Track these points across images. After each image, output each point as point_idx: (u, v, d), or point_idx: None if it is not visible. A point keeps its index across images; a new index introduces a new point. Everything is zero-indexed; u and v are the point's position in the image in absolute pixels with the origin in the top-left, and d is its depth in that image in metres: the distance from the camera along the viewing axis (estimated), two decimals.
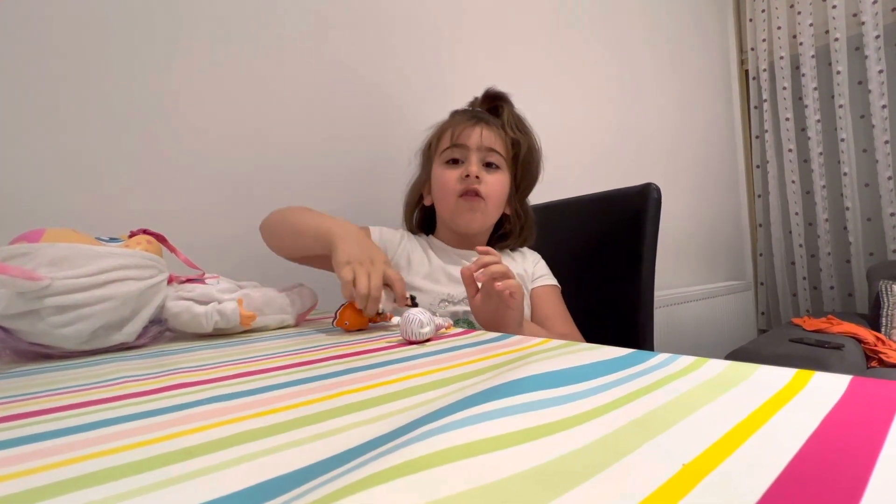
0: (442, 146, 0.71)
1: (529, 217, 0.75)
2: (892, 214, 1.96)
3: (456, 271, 0.68)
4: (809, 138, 2.17)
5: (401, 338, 0.42)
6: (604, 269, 0.75)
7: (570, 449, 0.17)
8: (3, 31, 0.64)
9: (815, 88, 2.17)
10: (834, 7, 2.08)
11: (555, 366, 0.28)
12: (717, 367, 0.27)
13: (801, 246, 2.23)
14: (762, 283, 2.40)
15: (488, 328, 0.54)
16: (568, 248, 0.67)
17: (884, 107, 1.98)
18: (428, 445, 0.17)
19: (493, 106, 0.74)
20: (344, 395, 0.26)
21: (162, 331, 0.49)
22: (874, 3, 1.98)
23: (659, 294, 1.66)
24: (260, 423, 0.22)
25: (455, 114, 0.74)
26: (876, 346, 1.42)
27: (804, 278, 2.22)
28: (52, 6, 0.68)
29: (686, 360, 0.29)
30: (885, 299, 1.64)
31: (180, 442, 0.20)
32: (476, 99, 0.77)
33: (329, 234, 0.54)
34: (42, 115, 0.67)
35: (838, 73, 2.08)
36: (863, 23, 2.00)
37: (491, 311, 0.52)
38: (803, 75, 2.19)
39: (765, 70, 2.33)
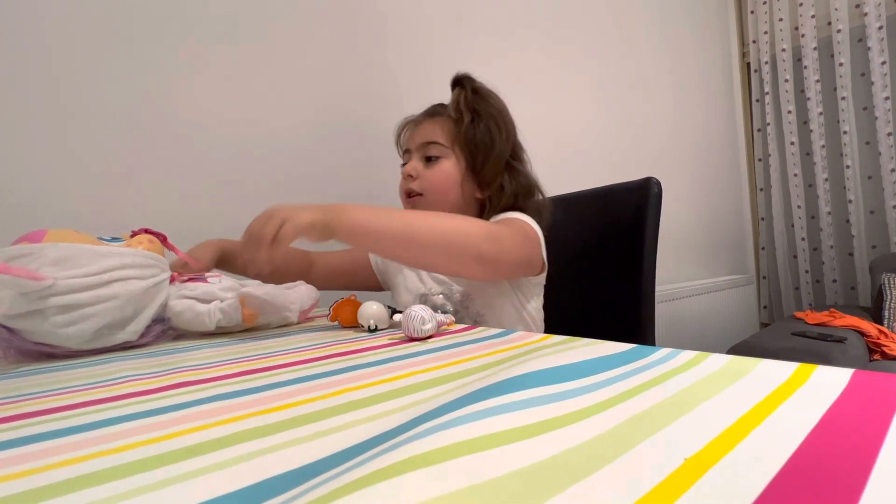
0: (399, 154, 0.75)
1: (523, 187, 0.69)
2: (895, 207, 1.96)
3: None
4: (812, 131, 2.16)
5: (403, 335, 0.42)
6: (605, 265, 0.75)
7: (571, 444, 0.17)
8: (3, 32, 0.64)
9: (818, 81, 2.15)
10: None
11: (556, 362, 0.28)
12: (719, 361, 0.27)
13: (803, 239, 2.22)
14: (764, 277, 2.40)
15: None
16: (568, 244, 0.67)
17: (886, 98, 1.97)
18: (430, 442, 0.17)
19: (454, 89, 0.72)
20: (346, 393, 0.26)
21: (165, 329, 0.50)
22: None
23: (660, 289, 1.66)
24: (261, 422, 0.22)
25: (403, 120, 0.76)
26: (879, 339, 1.41)
27: (806, 272, 2.22)
28: (51, 7, 0.68)
29: (688, 354, 0.29)
30: (888, 292, 1.63)
31: (182, 441, 0.20)
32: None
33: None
34: (40, 116, 0.67)
35: (841, 64, 2.07)
36: (865, 13, 1.99)
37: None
38: (805, 67, 2.18)
39: (766, 63, 2.31)
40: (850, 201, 2.07)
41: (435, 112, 0.71)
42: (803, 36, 2.18)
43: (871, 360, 1.37)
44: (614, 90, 1.71)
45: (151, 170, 0.76)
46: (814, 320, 1.59)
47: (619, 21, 1.74)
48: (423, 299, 0.67)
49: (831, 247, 2.14)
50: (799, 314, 1.72)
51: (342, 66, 0.99)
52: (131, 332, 0.45)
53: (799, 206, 2.23)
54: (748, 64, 2.46)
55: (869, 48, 1.99)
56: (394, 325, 0.48)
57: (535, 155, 0.74)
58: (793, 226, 2.28)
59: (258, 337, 0.49)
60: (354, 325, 0.50)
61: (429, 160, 0.68)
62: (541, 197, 0.72)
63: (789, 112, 2.23)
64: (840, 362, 1.21)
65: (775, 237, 2.31)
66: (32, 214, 0.65)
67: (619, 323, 0.70)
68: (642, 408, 0.21)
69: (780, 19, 2.25)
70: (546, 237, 0.66)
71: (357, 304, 0.50)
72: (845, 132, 2.06)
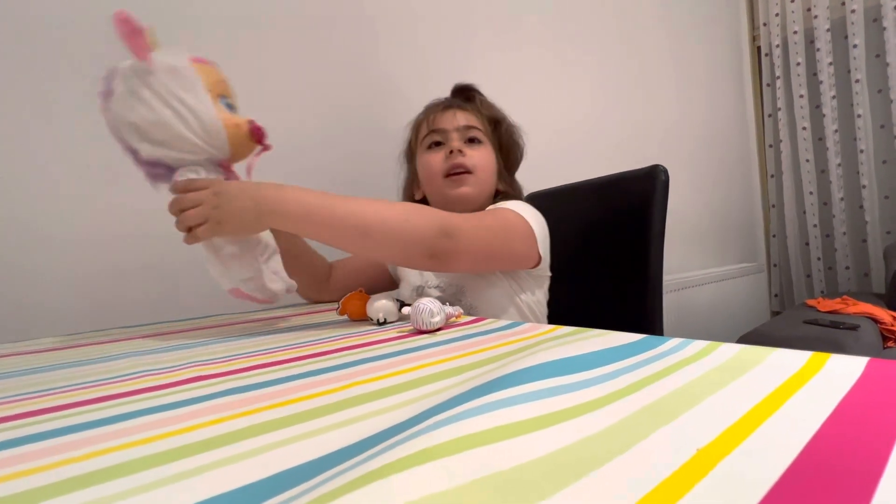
0: (421, 135, 0.71)
1: (521, 194, 0.75)
2: None
3: None
4: (824, 115, 2.12)
5: (412, 327, 0.43)
6: (611, 255, 0.74)
7: (582, 436, 0.17)
8: (3, 33, 0.65)
9: (831, 63, 2.10)
10: None
11: (565, 353, 0.28)
12: (730, 351, 0.27)
13: (815, 226, 2.19)
14: (775, 265, 2.37)
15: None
16: (574, 235, 0.67)
17: None
18: (441, 434, 0.17)
19: (465, 97, 0.74)
20: (357, 386, 0.26)
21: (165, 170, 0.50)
22: None
23: (668, 278, 1.65)
24: (275, 415, 0.22)
25: (427, 106, 0.75)
26: (892, 326, 1.39)
27: (818, 259, 2.19)
28: (50, 7, 0.68)
29: (698, 344, 0.29)
30: None
31: (198, 434, 0.20)
32: (446, 98, 0.77)
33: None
34: (38, 116, 0.67)
35: (855, 46, 2.02)
36: None
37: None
38: (818, 50, 2.12)
39: (778, 46, 2.26)
40: (864, 186, 2.03)
41: (462, 104, 0.71)
42: (816, 17, 2.12)
43: (884, 348, 1.35)
44: (617, 77, 1.68)
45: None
46: (826, 308, 1.57)
47: (625, 6, 1.71)
48: (420, 290, 0.67)
49: (844, 233, 2.10)
50: (811, 302, 1.70)
51: (342, 66, 0.99)
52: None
53: (811, 193, 2.19)
54: (758, 48, 2.40)
55: (884, 28, 1.93)
56: (402, 318, 0.49)
57: (535, 145, 0.75)
58: (804, 212, 2.24)
59: (269, 331, 0.49)
60: (363, 319, 0.51)
61: (471, 142, 0.69)
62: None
63: (801, 96, 2.19)
64: (853, 350, 1.19)
65: (786, 224, 2.28)
66: (33, 216, 0.66)
67: (626, 314, 0.70)
68: (653, 398, 0.21)
69: (792, 0, 2.19)
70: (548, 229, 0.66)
71: (365, 298, 0.50)
72: (859, 115, 2.02)
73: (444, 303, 0.43)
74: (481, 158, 0.68)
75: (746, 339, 1.40)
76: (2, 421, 0.24)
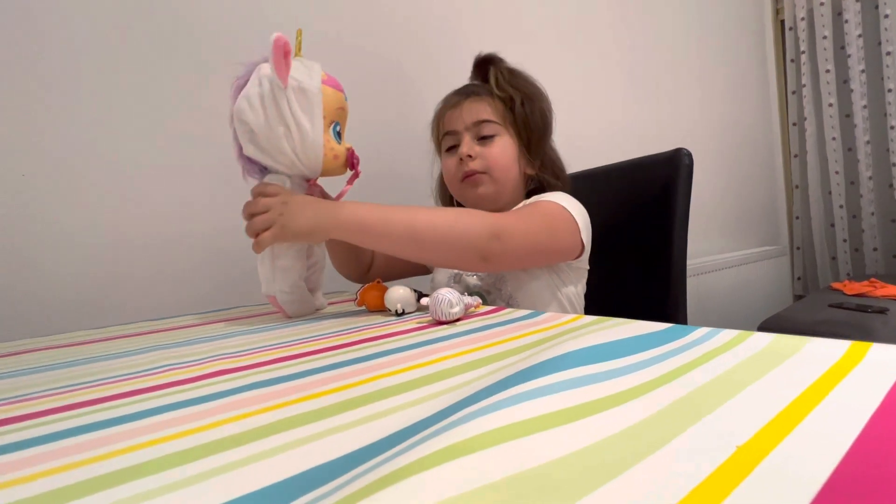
0: (439, 137, 0.71)
1: (557, 164, 0.71)
2: None
3: None
4: (852, 91, 2.03)
5: (430, 318, 0.42)
6: (634, 241, 0.73)
7: (612, 431, 0.17)
8: (4, 33, 0.65)
9: (860, 35, 2.01)
10: None
11: (590, 342, 0.27)
12: (763, 340, 0.26)
13: (841, 207, 2.12)
14: (798, 248, 2.30)
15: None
16: (595, 221, 0.65)
17: None
18: (468, 429, 0.16)
19: (483, 73, 0.71)
20: (380, 379, 0.26)
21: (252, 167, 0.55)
22: None
23: (688, 263, 1.61)
24: (300, 410, 0.22)
25: (443, 100, 0.73)
26: None
27: (844, 240, 2.12)
28: (49, 7, 0.68)
29: (729, 333, 0.28)
30: None
31: (226, 430, 0.20)
32: (471, 74, 0.75)
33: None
34: (39, 117, 0.68)
35: (886, 16, 1.92)
36: None
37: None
38: (846, 21, 2.03)
39: (803, 19, 2.16)
40: (895, 164, 1.95)
41: (474, 91, 0.69)
42: None
43: None
44: (633, 55, 1.63)
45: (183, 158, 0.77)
46: (852, 291, 1.53)
47: None
48: (457, 278, 0.67)
49: (872, 213, 2.03)
50: (836, 285, 1.65)
51: (366, 51, 0.98)
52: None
53: (837, 172, 2.11)
54: (782, 21, 2.30)
55: None
56: (420, 309, 0.48)
57: (556, 130, 0.72)
58: (830, 193, 2.16)
59: (289, 323, 0.50)
60: (381, 310, 0.51)
61: (483, 139, 0.67)
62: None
63: (828, 71, 2.10)
64: (881, 334, 1.16)
65: (811, 205, 2.21)
66: (41, 215, 0.67)
67: (649, 301, 0.69)
68: (685, 391, 0.20)
69: None
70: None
71: (383, 289, 0.50)
72: (889, 90, 1.93)
73: (469, 290, 0.42)
74: (494, 155, 0.66)
75: (769, 323, 1.37)
76: (27, 418, 0.24)
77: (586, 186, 0.82)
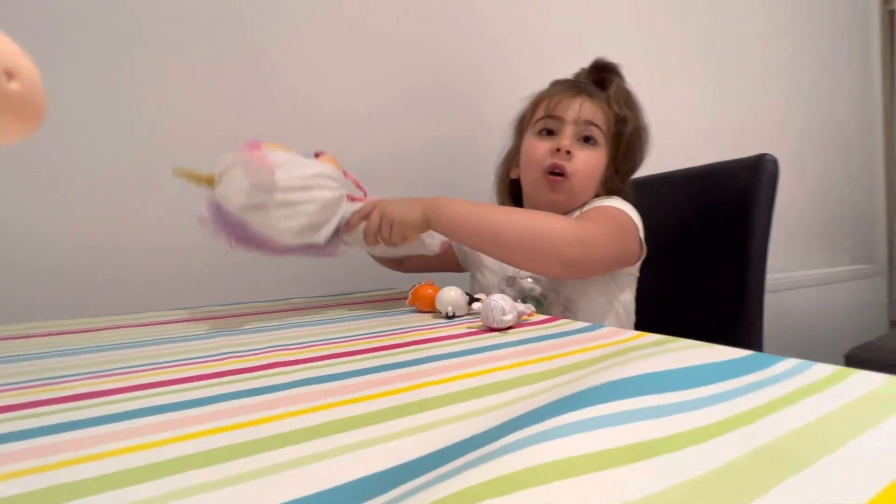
0: (536, 116, 0.67)
1: (626, 192, 0.68)
2: None
3: None
4: None
5: (481, 324, 0.41)
6: (705, 254, 0.67)
7: (688, 476, 0.15)
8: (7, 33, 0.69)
9: None
10: None
11: (656, 366, 0.25)
12: (871, 381, 0.22)
13: None
14: None
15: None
16: (666, 230, 0.61)
17: None
18: (523, 458, 0.15)
19: (600, 78, 0.69)
20: (430, 386, 0.25)
21: (339, 241, 0.56)
22: None
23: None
24: (350, 412, 0.22)
25: (555, 83, 0.70)
26: None
27: None
28: (48, 7, 0.69)
29: (824, 369, 0.25)
30: None
31: (276, 426, 0.21)
32: (582, 70, 0.72)
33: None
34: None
35: None
36: None
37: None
38: None
39: None
40: None
41: (594, 92, 0.66)
42: None
43: None
44: (716, 52, 1.51)
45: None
46: None
47: None
48: (511, 281, 0.65)
49: None
50: None
51: (431, 40, 0.98)
52: (323, 235, 0.52)
53: None
54: (891, 11, 2.04)
55: None
56: (471, 313, 0.48)
57: None
58: None
59: (342, 318, 0.51)
60: (432, 311, 0.50)
61: (585, 140, 0.65)
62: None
63: None
64: None
65: None
66: (42, 216, 0.69)
67: (721, 320, 0.63)
68: (769, 437, 0.17)
69: None
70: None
71: (435, 290, 0.50)
72: None
73: (523, 293, 0.41)
74: (586, 163, 0.64)
75: (858, 351, 1.22)
76: (80, 399, 0.26)
77: (656, 190, 0.77)
